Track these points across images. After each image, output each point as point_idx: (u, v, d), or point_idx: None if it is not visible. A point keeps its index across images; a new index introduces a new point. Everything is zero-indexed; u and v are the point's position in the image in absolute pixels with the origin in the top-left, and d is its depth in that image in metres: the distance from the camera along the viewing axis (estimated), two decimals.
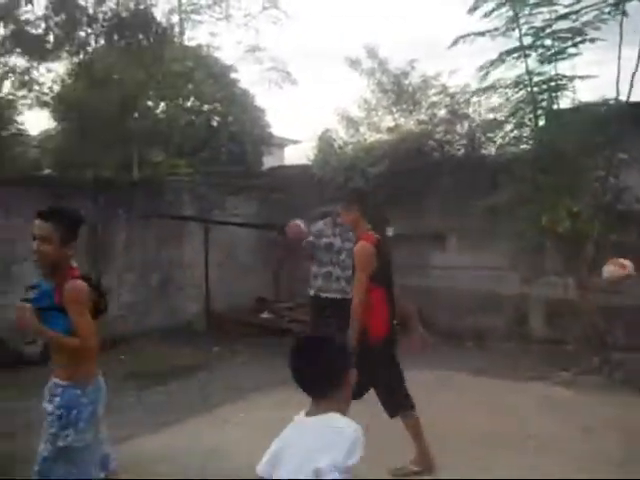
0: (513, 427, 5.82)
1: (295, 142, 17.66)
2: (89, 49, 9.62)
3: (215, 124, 13.11)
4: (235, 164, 12.17)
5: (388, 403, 4.79)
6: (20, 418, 5.73)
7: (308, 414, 2.44)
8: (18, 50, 9.42)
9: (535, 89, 7.98)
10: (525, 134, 8.31)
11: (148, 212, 9.77)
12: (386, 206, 9.63)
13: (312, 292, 6.89)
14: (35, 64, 9.87)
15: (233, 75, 13.61)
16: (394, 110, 12.96)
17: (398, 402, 4.80)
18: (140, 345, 9.07)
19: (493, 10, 7.71)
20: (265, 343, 8.70)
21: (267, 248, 11.12)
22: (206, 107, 13.03)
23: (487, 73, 8.21)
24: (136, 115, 10.75)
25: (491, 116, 10.10)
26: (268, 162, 13.88)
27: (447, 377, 7.47)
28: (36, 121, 16.66)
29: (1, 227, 8.34)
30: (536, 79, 7.98)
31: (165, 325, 9.84)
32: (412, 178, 9.98)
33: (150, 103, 12.02)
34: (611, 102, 7.80)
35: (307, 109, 26.44)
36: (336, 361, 2.42)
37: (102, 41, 9.47)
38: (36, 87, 10.22)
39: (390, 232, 9.62)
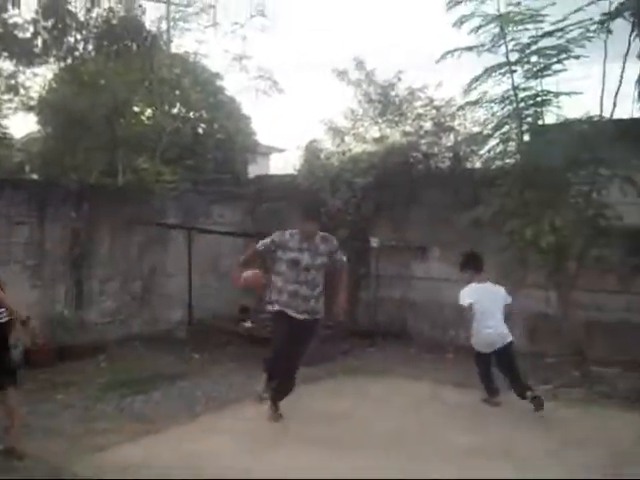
0: (494, 440, 5.86)
1: (281, 151, 17.72)
2: (77, 54, 9.60)
3: (201, 131, 13.11)
4: (221, 172, 12.18)
5: None
6: None
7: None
8: (5, 54, 9.38)
9: (521, 104, 8.06)
10: (510, 149, 8.38)
11: (132, 219, 9.74)
12: (372, 217, 9.68)
13: (276, 307, 6.15)
14: (22, 68, 9.83)
15: (220, 83, 13.63)
16: (380, 121, 13.02)
17: None
18: (122, 353, 9.03)
19: (480, 27, 7.80)
20: (247, 352, 8.66)
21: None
22: (192, 114, 13.03)
23: (474, 88, 8.30)
24: (122, 121, 10.72)
25: (476, 129, 10.19)
26: (253, 170, 13.90)
27: (429, 389, 7.51)
28: (21, 124, 16.50)
29: None
30: (522, 94, 8.06)
31: (147, 333, 9.81)
32: (398, 190, 10.05)
33: (137, 109, 12.02)
34: (595, 119, 7.91)
35: (294, 118, 26.51)
36: None
37: (91, 47, 9.45)
38: (22, 91, 10.18)
39: (375, 243, 9.68)
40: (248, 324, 9.83)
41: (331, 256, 6.23)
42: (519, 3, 7.75)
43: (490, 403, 6.99)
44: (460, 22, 7.87)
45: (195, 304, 10.17)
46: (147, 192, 10.25)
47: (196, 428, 6.23)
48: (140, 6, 10.36)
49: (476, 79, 8.17)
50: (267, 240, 6.23)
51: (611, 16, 7.55)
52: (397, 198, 10.02)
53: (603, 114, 7.82)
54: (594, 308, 8.59)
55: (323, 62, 24.64)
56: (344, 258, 6.46)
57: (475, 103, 8.85)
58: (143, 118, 12.23)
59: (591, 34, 7.63)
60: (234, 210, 11.38)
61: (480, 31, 7.89)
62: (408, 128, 12.05)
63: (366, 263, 10.24)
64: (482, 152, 9.28)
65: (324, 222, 9.63)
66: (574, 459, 5.32)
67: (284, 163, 14.18)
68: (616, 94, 7.71)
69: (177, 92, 12.61)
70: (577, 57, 7.73)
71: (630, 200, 7.74)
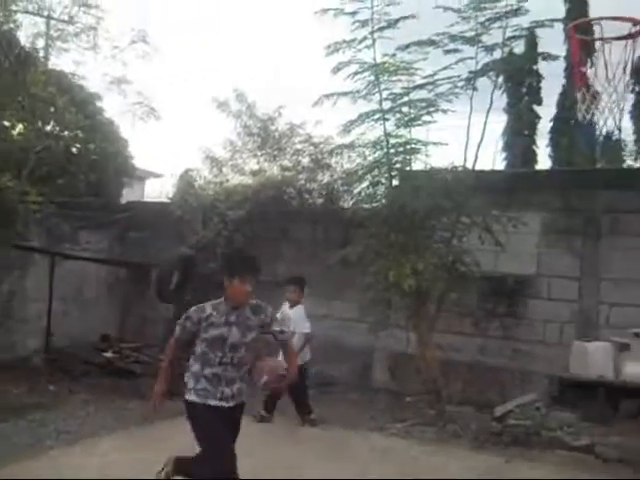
0: (349, 474, 5.95)
1: (157, 176, 17.49)
2: None
3: (75, 151, 12.70)
4: (93, 194, 11.82)
5: None
6: None
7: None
8: None
9: (391, 150, 8.36)
10: (379, 192, 8.66)
11: None
12: (242, 251, 9.66)
13: (192, 397, 4.69)
14: None
15: (99, 104, 13.29)
16: (259, 154, 13.13)
17: None
18: None
19: (356, 73, 8.07)
20: (106, 384, 8.42)
21: (116, 285, 10.84)
22: (67, 133, 12.61)
23: (348, 131, 8.57)
24: None
25: (351, 168, 10.47)
26: (128, 194, 13.60)
27: (289, 427, 7.55)
28: None
29: None
30: (393, 141, 8.38)
31: (1, 360, 9.30)
32: (270, 224, 10.13)
33: (7, 123, 11.51)
34: (459, 168, 8.33)
35: (173, 145, 26.26)
36: None
37: None
38: None
39: None
40: (109, 354, 9.55)
41: (266, 329, 4.86)
42: (394, 55, 8.10)
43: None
44: (337, 69, 8.13)
45: (55, 331, 9.77)
46: (9, 213, 9.77)
47: (45, 465, 5.93)
48: (15, 21, 9.98)
49: (351, 123, 8.44)
50: (183, 322, 4.75)
51: (476, 74, 8.01)
52: (269, 233, 10.10)
53: (466, 164, 8.25)
54: (451, 349, 8.96)
55: (205, 92, 24.65)
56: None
57: (349, 146, 9.17)
58: (13, 133, 11.72)
59: (458, 90, 8.08)
60: (102, 236, 11.09)
61: (356, 77, 8.17)
62: (286, 162, 12.22)
63: None
64: (353, 193, 9.55)
65: (191, 254, 9.63)
66: None
67: (160, 188, 14.01)
68: (478, 146, 8.18)
69: (52, 109, 12.18)
70: (445, 111, 8.16)
71: (487, 248, 8.19)
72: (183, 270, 9.21)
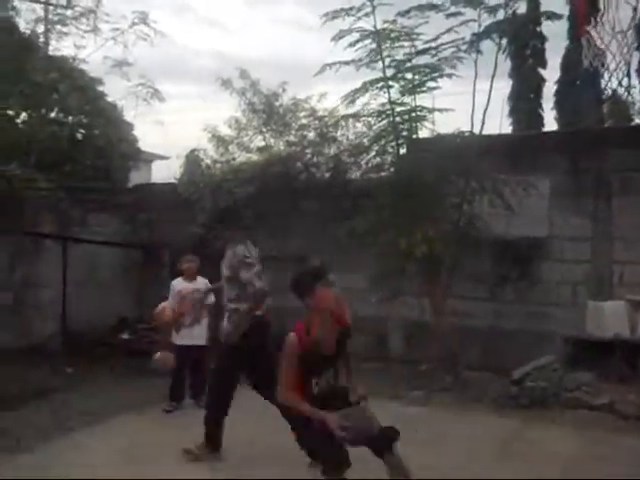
0: None
1: (164, 158, 17.45)
2: None
3: (80, 137, 12.69)
4: (100, 179, 11.83)
5: None
6: None
7: None
8: None
9: (397, 119, 8.33)
10: (387, 161, 8.63)
11: (1, 228, 9.30)
12: (253, 228, 9.65)
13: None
14: None
15: (101, 88, 13.25)
16: (264, 130, 13.11)
17: None
18: None
19: (357, 41, 8.00)
20: (124, 364, 8.47)
21: (130, 267, 10.88)
22: (71, 119, 12.60)
23: (353, 101, 8.50)
24: None
25: (357, 140, 10.43)
26: (135, 178, 13.60)
27: None
28: None
29: None
30: (398, 109, 8.33)
31: (18, 346, 9.36)
32: (279, 200, 10.11)
33: (11, 112, 11.50)
34: (466, 134, 8.27)
35: (178, 125, 26.20)
36: None
37: None
38: None
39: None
40: (126, 335, 9.61)
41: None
42: (394, 21, 8.02)
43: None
44: (338, 37, 8.05)
45: (71, 316, 9.82)
46: (18, 200, 9.81)
47: (69, 445, 5.99)
48: (14, 7, 9.92)
49: (355, 92, 8.38)
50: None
51: (479, 37, 7.92)
52: (278, 208, 10.09)
53: (473, 130, 8.19)
54: (466, 315, 8.95)
55: (208, 71, 24.58)
56: None
57: (354, 116, 9.11)
58: (18, 122, 11.73)
59: (462, 54, 8.00)
60: (112, 219, 11.10)
61: (358, 46, 8.10)
62: (292, 138, 12.20)
63: None
64: (362, 163, 9.51)
65: (202, 233, 9.63)
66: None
67: (167, 170, 14.02)
68: (485, 111, 8.11)
69: (54, 96, 12.16)
70: (450, 76, 8.11)
71: (498, 212, 8.16)
72: (194, 248, 9.21)
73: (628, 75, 7.86)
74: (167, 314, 7.05)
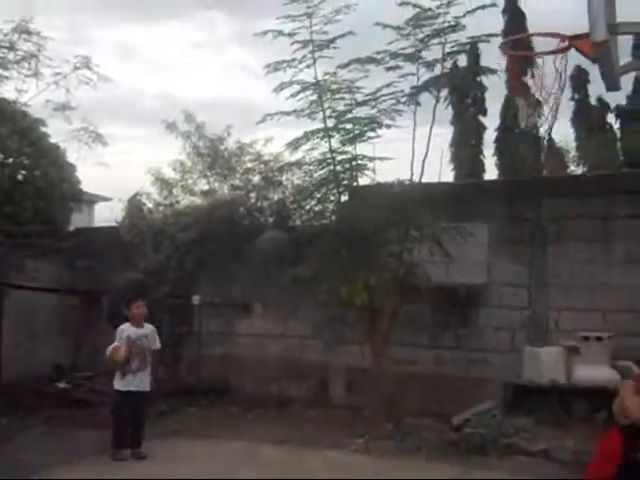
0: None
1: (106, 199, 17.26)
2: None
3: (21, 178, 12.48)
4: (41, 222, 11.63)
5: None
6: None
7: None
8: None
9: (338, 167, 8.44)
10: (328, 209, 8.71)
11: None
12: (195, 273, 9.63)
13: None
14: None
15: (44, 129, 13.10)
16: (209, 174, 13.12)
17: None
18: None
19: (299, 92, 8.13)
20: (59, 415, 8.24)
21: (68, 313, 10.66)
22: (11, 161, 12.40)
23: (296, 148, 8.60)
24: None
25: (300, 186, 10.50)
26: (77, 220, 13.39)
27: (249, 449, 7.46)
28: None
29: None
30: (339, 158, 8.45)
31: None
32: (222, 245, 10.08)
33: None
34: (405, 182, 8.42)
35: (124, 167, 25.96)
36: None
37: None
38: None
39: (196, 301, 9.60)
40: (62, 384, 9.36)
41: None
42: (335, 73, 8.19)
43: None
44: (280, 88, 8.17)
45: (5, 363, 9.52)
46: None
47: None
48: None
49: (297, 141, 8.48)
50: None
51: (418, 90, 8.13)
52: (221, 254, 10.06)
53: (413, 177, 8.35)
54: (407, 362, 9.00)
55: (155, 113, 24.56)
56: None
57: (297, 164, 9.20)
58: None
59: (401, 106, 8.20)
60: (51, 265, 10.89)
61: (299, 97, 8.23)
62: (236, 182, 12.23)
63: (188, 321, 10.14)
64: (303, 211, 9.58)
65: (140, 279, 9.53)
66: None
67: (110, 213, 13.84)
68: (424, 160, 8.28)
69: None
70: (388, 127, 8.27)
71: (438, 260, 8.30)
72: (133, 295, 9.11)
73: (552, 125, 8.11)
74: (120, 354, 6.91)
